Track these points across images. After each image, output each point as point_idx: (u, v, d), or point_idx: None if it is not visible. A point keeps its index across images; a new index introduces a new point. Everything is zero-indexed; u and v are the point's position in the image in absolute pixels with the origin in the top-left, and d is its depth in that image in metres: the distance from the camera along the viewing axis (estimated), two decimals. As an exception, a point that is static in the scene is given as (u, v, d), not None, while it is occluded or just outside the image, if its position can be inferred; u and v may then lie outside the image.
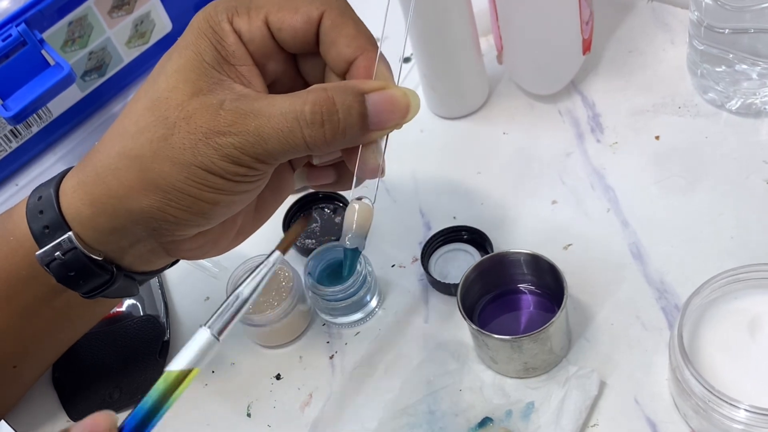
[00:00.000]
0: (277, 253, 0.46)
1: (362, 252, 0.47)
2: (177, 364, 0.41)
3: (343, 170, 0.49)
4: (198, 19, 0.45)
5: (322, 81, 0.47)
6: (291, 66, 0.48)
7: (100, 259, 0.46)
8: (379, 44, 0.45)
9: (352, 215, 0.46)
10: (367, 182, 0.47)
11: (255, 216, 0.51)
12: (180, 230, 0.46)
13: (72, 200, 0.46)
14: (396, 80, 0.46)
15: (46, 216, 0.46)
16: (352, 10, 0.45)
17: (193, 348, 0.42)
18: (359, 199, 0.46)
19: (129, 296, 0.51)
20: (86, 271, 0.46)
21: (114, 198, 0.44)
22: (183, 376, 0.41)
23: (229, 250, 0.51)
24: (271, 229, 0.66)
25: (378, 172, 0.45)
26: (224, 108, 0.42)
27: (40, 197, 0.47)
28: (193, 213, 0.44)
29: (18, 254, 0.48)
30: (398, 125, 0.44)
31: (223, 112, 0.42)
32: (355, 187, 0.47)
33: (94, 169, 0.45)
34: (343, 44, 0.44)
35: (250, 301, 0.44)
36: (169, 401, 0.41)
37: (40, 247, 0.46)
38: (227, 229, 0.49)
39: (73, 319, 0.53)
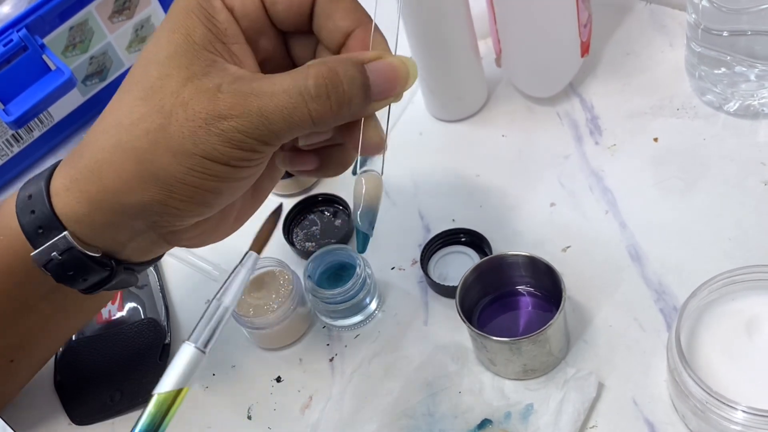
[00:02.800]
0: (254, 255, 0.45)
1: (371, 236, 0.46)
2: (165, 385, 0.40)
3: (326, 156, 0.48)
4: None
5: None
6: (281, 45, 0.47)
7: (98, 255, 0.45)
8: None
9: (361, 188, 0.44)
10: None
11: (252, 198, 0.50)
12: (180, 221, 0.45)
13: (66, 199, 0.45)
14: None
15: (39, 216, 0.45)
16: None
17: (179, 366, 0.41)
18: (365, 171, 0.44)
19: (129, 287, 0.51)
20: (85, 269, 0.45)
21: (110, 193, 0.43)
22: (173, 397, 0.40)
23: (229, 235, 0.51)
24: (274, 234, 0.66)
25: (382, 146, 0.44)
26: (222, 91, 0.41)
27: (30, 195, 0.46)
28: (196, 203, 0.43)
29: (9, 253, 0.47)
30: (399, 94, 0.43)
31: (222, 95, 0.41)
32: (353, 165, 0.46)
33: (87, 165, 0.44)
34: (339, 17, 0.43)
35: (231, 309, 0.43)
36: (163, 425, 0.40)
37: (36, 248, 0.45)
38: (226, 215, 0.48)
39: (70, 313, 0.52)
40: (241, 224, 0.51)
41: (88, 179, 0.44)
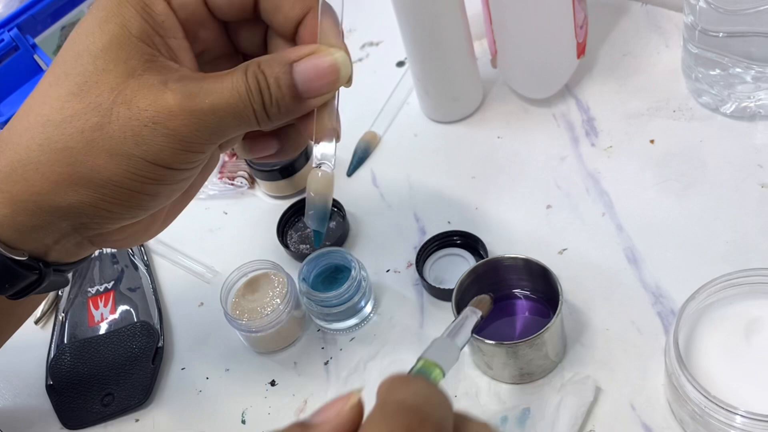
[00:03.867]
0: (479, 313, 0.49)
1: (324, 234, 0.46)
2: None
3: (285, 138, 0.46)
4: None
5: (263, 49, 0.45)
6: (222, 35, 0.44)
7: (24, 258, 0.42)
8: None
9: (311, 184, 0.43)
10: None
11: (182, 196, 0.47)
12: (110, 224, 0.42)
13: None
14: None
15: None
16: None
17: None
18: (318, 166, 0.43)
19: (61, 288, 0.47)
20: (12, 274, 0.42)
21: (36, 194, 0.40)
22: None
23: (157, 235, 0.48)
24: (268, 236, 0.66)
25: (335, 134, 0.43)
26: (170, 87, 0.38)
27: None
28: (130, 207, 0.41)
29: None
30: (334, 89, 0.41)
31: (170, 92, 0.38)
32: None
33: (9, 164, 0.40)
34: (287, 7, 0.41)
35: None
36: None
37: None
38: (156, 215, 0.46)
39: (2, 322, 0.49)
40: (170, 223, 0.48)
41: (10, 179, 0.40)
